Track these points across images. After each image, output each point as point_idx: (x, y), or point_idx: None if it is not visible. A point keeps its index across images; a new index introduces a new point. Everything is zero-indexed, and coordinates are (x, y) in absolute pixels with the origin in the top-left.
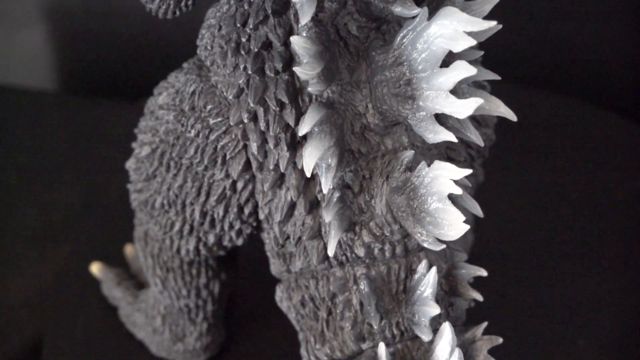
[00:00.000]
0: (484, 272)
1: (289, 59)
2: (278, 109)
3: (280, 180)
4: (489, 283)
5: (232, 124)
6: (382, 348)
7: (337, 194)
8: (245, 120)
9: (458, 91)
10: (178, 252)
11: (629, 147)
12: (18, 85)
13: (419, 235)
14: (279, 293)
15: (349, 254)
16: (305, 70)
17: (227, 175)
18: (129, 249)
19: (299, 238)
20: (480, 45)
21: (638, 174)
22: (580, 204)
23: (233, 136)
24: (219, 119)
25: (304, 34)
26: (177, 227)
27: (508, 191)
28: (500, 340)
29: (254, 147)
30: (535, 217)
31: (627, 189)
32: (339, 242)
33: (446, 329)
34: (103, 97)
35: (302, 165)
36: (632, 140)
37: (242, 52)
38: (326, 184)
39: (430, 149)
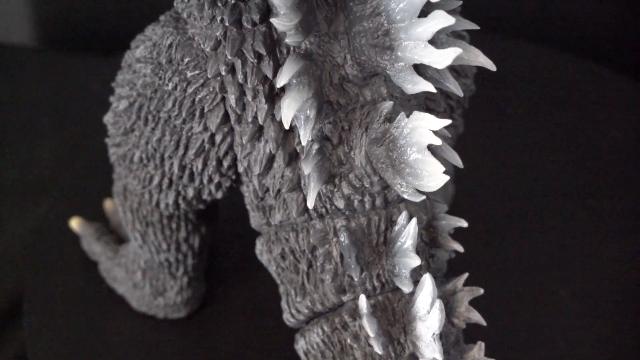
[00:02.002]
0: (464, 223)
1: (266, 11)
2: (256, 61)
3: (258, 132)
4: (470, 234)
5: (209, 76)
6: (362, 300)
7: (316, 146)
8: (223, 73)
9: (437, 41)
10: (157, 206)
11: (610, 97)
12: None
13: (398, 186)
14: (259, 246)
15: (328, 206)
16: (283, 22)
17: (206, 128)
18: (108, 204)
19: (278, 190)
20: None
21: (620, 123)
22: (562, 155)
23: (211, 89)
24: (197, 72)
25: None
26: (156, 181)
27: (488, 142)
28: (482, 291)
29: (232, 99)
30: (517, 168)
31: (610, 138)
32: (319, 194)
33: (427, 280)
34: (80, 51)
35: (281, 117)
36: (614, 90)
37: (219, 4)
38: (305, 135)
39: (409, 100)
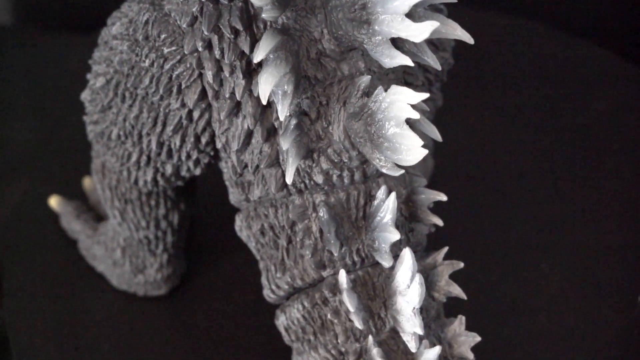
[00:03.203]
0: (443, 197)
1: None
2: (232, 36)
3: (236, 108)
4: (450, 208)
5: (186, 52)
6: (342, 275)
7: (294, 121)
8: (200, 49)
9: (414, 15)
10: (136, 183)
11: (591, 70)
12: None
13: (377, 160)
14: (239, 222)
15: (307, 182)
16: None
17: (183, 105)
18: (87, 182)
19: (257, 166)
20: None
21: (602, 97)
22: (541, 127)
23: (188, 65)
24: (174, 48)
25: None
26: (134, 158)
27: (468, 115)
28: (462, 264)
29: (209, 75)
30: (497, 142)
31: (590, 111)
32: (297, 170)
33: (407, 254)
34: (58, 28)
35: (258, 92)
36: (593, 62)
37: None
38: (283, 111)
39: (387, 74)
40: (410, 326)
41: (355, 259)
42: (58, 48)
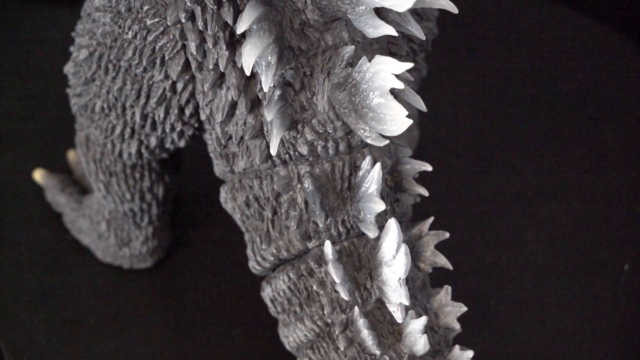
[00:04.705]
0: (428, 167)
1: None
2: (215, 7)
3: (220, 79)
4: (435, 178)
5: (169, 24)
6: (328, 246)
7: (278, 92)
8: (183, 20)
9: None
10: (120, 155)
11: (575, 39)
12: None
13: (361, 131)
14: (223, 194)
15: (292, 153)
16: None
17: (167, 77)
18: (71, 155)
19: (241, 138)
20: None
21: (585, 65)
22: (526, 96)
23: (171, 36)
24: (156, 20)
25: None
26: (118, 130)
27: (452, 85)
28: (447, 235)
29: (192, 46)
30: (481, 111)
31: (576, 81)
32: (282, 141)
33: (392, 225)
34: (40, 1)
35: (242, 64)
36: (579, 32)
37: None
38: (266, 82)
39: (371, 44)
40: (396, 297)
41: (341, 229)
42: (41, 21)
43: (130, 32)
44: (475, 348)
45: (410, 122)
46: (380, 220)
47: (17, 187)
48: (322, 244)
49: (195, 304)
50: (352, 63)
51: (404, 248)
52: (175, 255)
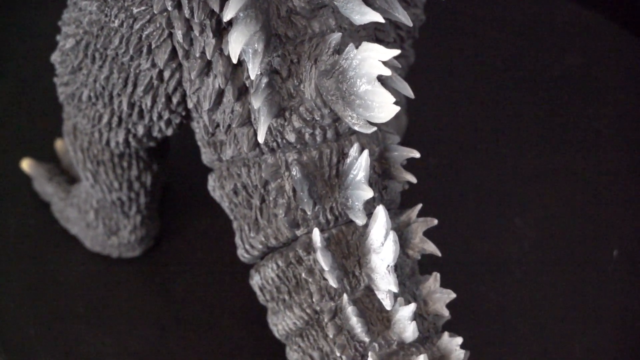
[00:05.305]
0: (416, 154)
1: None
2: None
3: (207, 67)
4: (423, 165)
5: (156, 12)
6: (316, 234)
7: (265, 80)
8: (169, 8)
9: None
10: (107, 144)
11: (565, 24)
12: None
13: (349, 118)
14: (211, 182)
15: (279, 140)
16: None
17: (154, 65)
18: (59, 144)
19: (229, 126)
20: None
21: (575, 49)
22: (514, 81)
23: (158, 25)
24: (143, 8)
25: None
26: (105, 119)
27: (440, 71)
28: (436, 221)
29: (179, 34)
30: (469, 97)
31: (563, 65)
32: (269, 128)
33: (380, 212)
34: None
35: (229, 51)
36: (568, 17)
37: None
38: (253, 69)
39: (358, 31)
40: (385, 284)
41: (329, 217)
42: (27, 9)
43: (116, 21)
44: (465, 334)
45: (397, 109)
46: (369, 208)
47: (5, 176)
48: (310, 232)
49: (184, 292)
50: (339, 50)
51: (392, 235)
52: (163, 244)
